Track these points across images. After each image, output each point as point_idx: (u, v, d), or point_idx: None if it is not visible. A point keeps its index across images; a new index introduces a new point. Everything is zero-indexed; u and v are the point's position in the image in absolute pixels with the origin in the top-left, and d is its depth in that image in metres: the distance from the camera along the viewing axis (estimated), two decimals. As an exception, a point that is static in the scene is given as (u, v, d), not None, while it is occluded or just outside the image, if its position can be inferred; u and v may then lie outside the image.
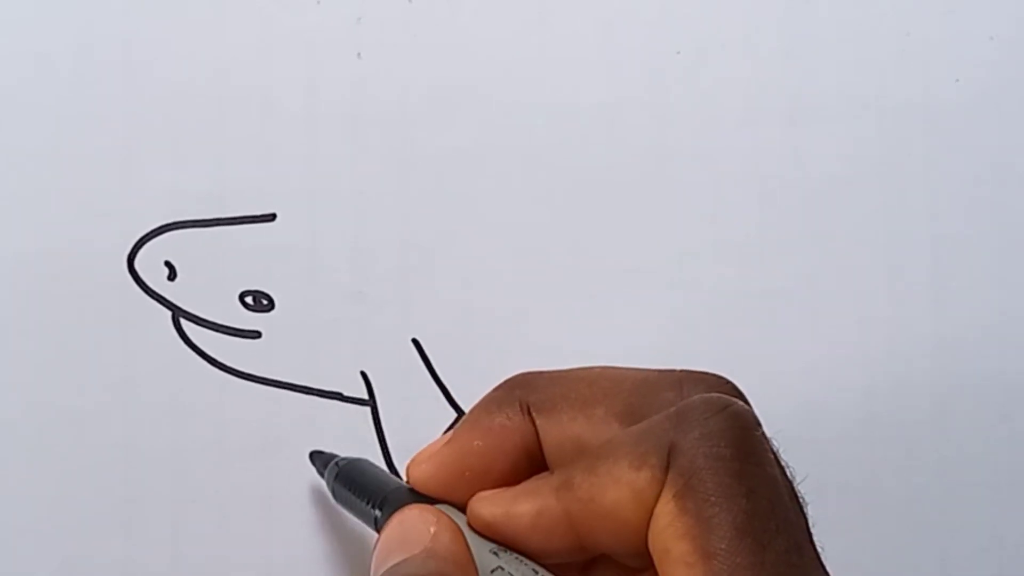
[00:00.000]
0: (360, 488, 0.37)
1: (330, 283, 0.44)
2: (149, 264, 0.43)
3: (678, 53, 0.45)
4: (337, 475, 0.39)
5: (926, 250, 0.46)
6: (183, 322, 0.43)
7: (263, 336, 0.43)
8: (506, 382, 0.35)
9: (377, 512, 0.36)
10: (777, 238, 0.45)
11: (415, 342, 0.44)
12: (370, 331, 0.44)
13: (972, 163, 0.46)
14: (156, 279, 0.43)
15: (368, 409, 0.43)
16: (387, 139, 0.44)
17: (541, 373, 0.35)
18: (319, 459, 0.42)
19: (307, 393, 0.43)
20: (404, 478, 0.36)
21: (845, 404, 0.45)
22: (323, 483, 0.41)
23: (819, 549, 0.30)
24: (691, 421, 0.30)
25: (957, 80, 0.46)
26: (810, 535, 0.30)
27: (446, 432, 0.37)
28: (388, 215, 0.44)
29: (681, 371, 0.33)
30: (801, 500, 0.31)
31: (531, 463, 0.34)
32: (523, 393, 0.34)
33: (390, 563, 0.32)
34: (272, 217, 0.44)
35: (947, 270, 0.46)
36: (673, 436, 0.29)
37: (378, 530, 0.35)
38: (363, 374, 0.44)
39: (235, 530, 0.43)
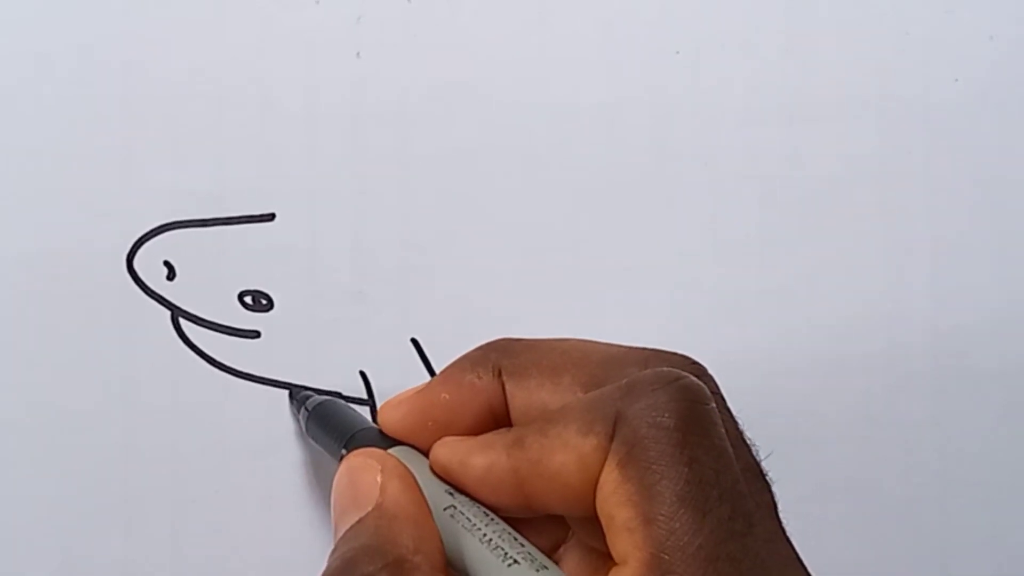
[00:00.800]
0: (331, 426, 0.39)
1: (329, 283, 0.44)
2: (148, 264, 0.43)
3: (678, 53, 0.45)
4: (312, 412, 0.40)
5: (926, 250, 0.46)
6: (182, 322, 0.43)
7: (262, 336, 0.43)
8: (484, 345, 0.36)
9: (343, 451, 0.37)
10: (777, 238, 0.45)
11: (414, 342, 0.44)
12: (369, 331, 0.44)
13: (972, 163, 0.46)
14: (155, 279, 0.43)
15: (367, 408, 0.43)
16: (387, 139, 0.44)
17: (518, 340, 0.36)
18: (298, 396, 0.42)
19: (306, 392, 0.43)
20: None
21: (845, 404, 0.45)
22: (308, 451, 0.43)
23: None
24: (639, 392, 0.30)
25: (957, 80, 0.46)
26: (774, 512, 0.31)
27: None
28: (388, 215, 0.44)
29: (650, 350, 0.34)
30: (766, 478, 0.31)
31: (495, 423, 0.35)
32: (497, 356, 0.35)
33: (344, 520, 0.33)
34: (272, 217, 0.44)
35: (946, 269, 0.46)
36: (620, 405, 0.30)
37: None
38: (362, 374, 0.44)
39: (235, 530, 0.43)
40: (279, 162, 0.44)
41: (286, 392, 0.43)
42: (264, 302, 0.43)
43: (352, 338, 0.44)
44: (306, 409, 0.41)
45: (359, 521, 0.33)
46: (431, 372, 0.44)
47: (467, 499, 0.34)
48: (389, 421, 0.36)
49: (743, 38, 0.46)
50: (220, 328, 0.43)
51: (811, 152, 0.46)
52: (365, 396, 0.43)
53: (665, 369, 0.31)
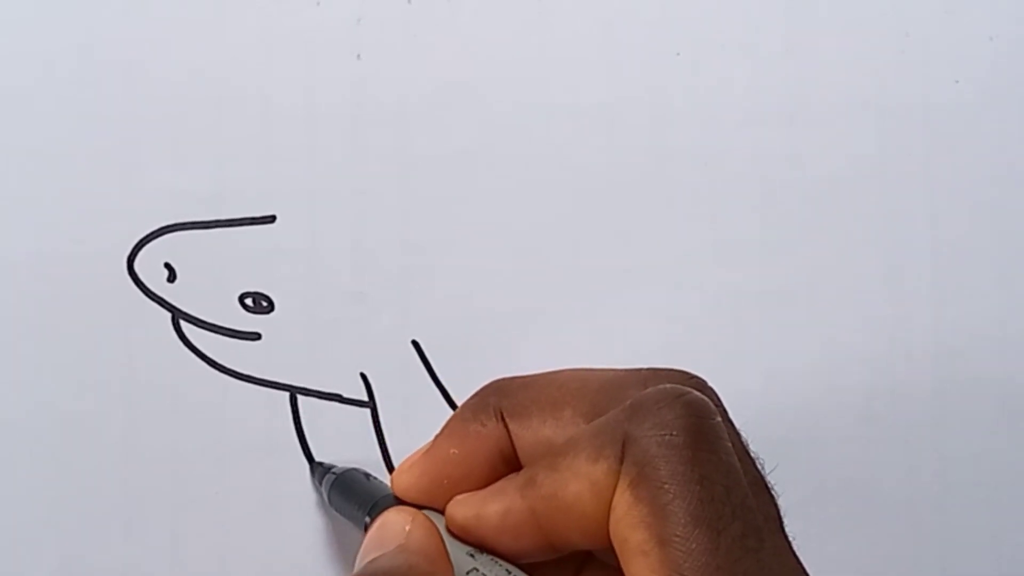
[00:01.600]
0: (353, 495, 0.39)
1: (330, 284, 0.44)
2: (149, 266, 0.43)
3: (678, 53, 0.45)
4: (333, 484, 0.40)
5: (926, 250, 0.46)
6: (183, 324, 0.43)
7: (263, 338, 0.43)
8: (481, 390, 0.36)
9: (367, 518, 0.37)
10: (777, 238, 0.45)
11: (415, 343, 0.44)
12: (370, 332, 0.44)
13: (972, 163, 0.46)
14: (156, 281, 0.43)
15: (368, 411, 0.43)
16: (387, 139, 0.44)
17: (514, 379, 0.35)
18: (318, 470, 0.42)
19: (307, 395, 0.43)
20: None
21: (845, 404, 0.45)
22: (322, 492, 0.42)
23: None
24: (644, 412, 0.30)
25: (957, 81, 0.46)
26: (780, 524, 0.31)
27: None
28: (388, 216, 0.44)
29: (647, 369, 0.33)
30: (772, 491, 0.31)
31: (507, 467, 0.34)
32: (496, 399, 0.35)
33: (368, 559, 0.33)
34: (272, 218, 0.44)
35: (947, 270, 0.46)
36: (627, 427, 0.30)
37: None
38: (363, 375, 0.44)
39: (235, 530, 0.43)
40: (279, 163, 0.44)
41: (287, 394, 0.43)
42: (265, 304, 0.43)
43: (353, 340, 0.44)
44: (330, 478, 0.41)
45: (379, 556, 0.32)
46: (431, 373, 0.44)
47: (488, 558, 0.33)
48: (403, 486, 0.36)
49: (743, 39, 0.46)
50: (221, 330, 0.43)
51: (811, 153, 0.46)
52: (366, 398, 0.43)
53: (669, 386, 0.31)
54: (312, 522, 0.43)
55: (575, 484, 0.30)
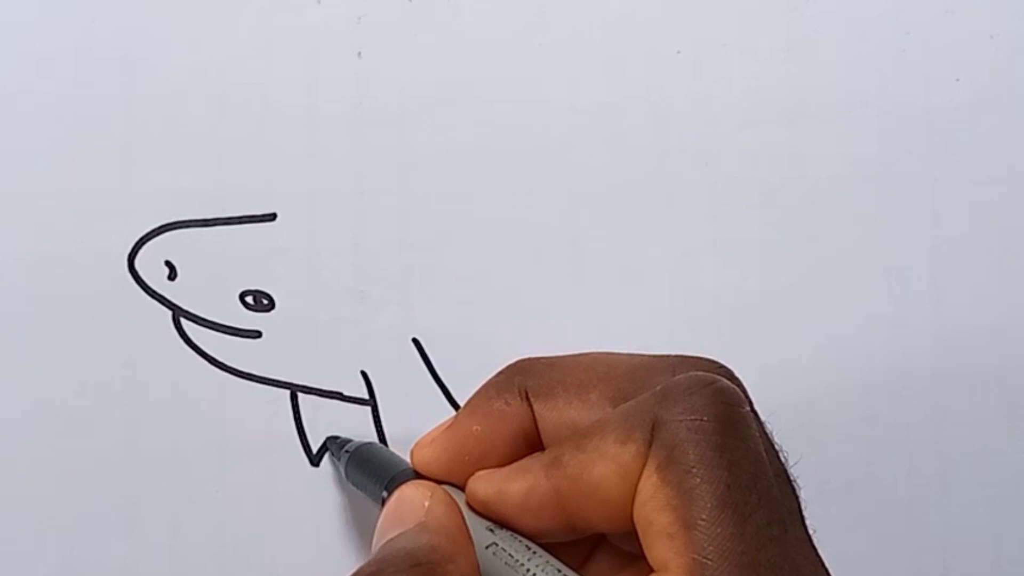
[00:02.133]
0: (370, 470, 0.39)
1: (330, 283, 0.44)
2: (149, 264, 0.43)
3: (678, 53, 0.45)
4: (350, 458, 0.40)
5: (926, 250, 0.46)
6: (183, 322, 0.43)
7: (263, 336, 0.43)
8: (506, 368, 0.36)
9: (384, 493, 0.37)
10: (777, 238, 0.45)
11: (415, 342, 0.44)
12: (370, 331, 0.44)
13: (972, 163, 0.46)
14: (156, 279, 0.43)
15: (368, 409, 0.43)
16: (387, 139, 0.44)
17: (539, 359, 0.35)
18: (334, 444, 0.42)
19: (307, 393, 0.43)
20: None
21: (845, 404, 0.45)
22: (333, 469, 0.42)
23: (818, 546, 0.31)
24: (675, 397, 0.30)
25: (957, 80, 0.46)
26: (801, 517, 0.31)
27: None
28: (388, 215, 0.44)
29: (675, 356, 0.33)
30: (793, 483, 0.31)
31: (529, 447, 0.34)
32: (521, 379, 0.35)
33: (388, 537, 0.33)
34: (272, 217, 0.44)
35: (947, 270, 0.46)
36: (657, 411, 0.30)
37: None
38: (363, 374, 0.44)
39: (235, 530, 0.43)
40: (280, 162, 0.44)
41: (287, 392, 0.43)
42: (265, 302, 0.43)
43: (353, 338, 0.44)
44: (346, 453, 0.41)
45: (399, 534, 0.32)
46: (432, 372, 0.44)
47: (508, 534, 0.33)
48: (423, 461, 0.36)
49: (743, 38, 0.46)
50: (221, 328, 0.43)
51: (811, 152, 0.46)
52: (366, 396, 0.43)
53: (700, 373, 0.31)
54: (312, 521, 0.43)
55: (602, 465, 0.30)
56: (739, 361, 0.44)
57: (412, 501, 0.34)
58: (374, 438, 0.43)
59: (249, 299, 0.43)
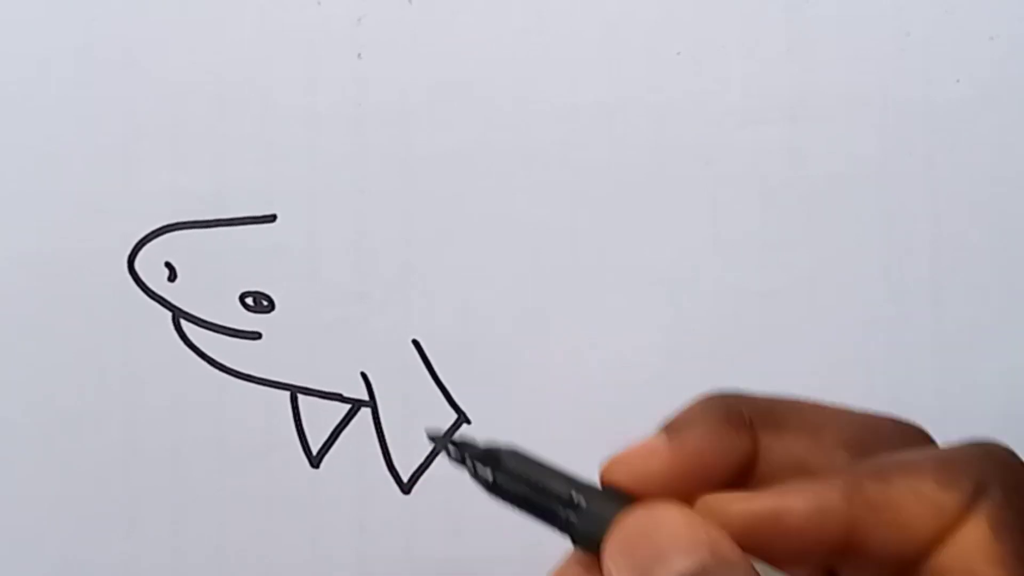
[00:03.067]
0: (540, 481, 0.32)
1: (330, 283, 0.44)
2: (149, 265, 0.43)
3: (678, 53, 0.45)
4: (499, 466, 0.32)
5: (926, 250, 0.46)
6: (183, 323, 0.43)
7: (263, 337, 0.43)
8: (719, 397, 0.33)
9: (570, 512, 0.31)
10: (777, 237, 0.45)
11: (415, 343, 0.44)
12: (370, 332, 0.44)
13: (972, 163, 0.46)
14: (156, 280, 0.43)
15: (368, 410, 0.43)
16: (387, 139, 0.44)
17: (753, 394, 0.34)
18: (467, 448, 0.32)
19: (307, 394, 0.43)
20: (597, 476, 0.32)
21: (845, 404, 0.45)
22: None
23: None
24: (998, 460, 0.31)
25: (957, 80, 0.46)
26: None
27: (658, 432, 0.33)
28: (388, 215, 0.44)
29: (888, 420, 0.34)
30: None
31: (741, 477, 0.33)
32: (748, 409, 0.33)
33: (659, 566, 0.29)
34: (272, 218, 0.44)
35: (947, 270, 0.46)
36: (983, 468, 0.31)
37: (573, 533, 0.31)
38: (363, 375, 0.44)
39: (235, 530, 0.43)
40: (280, 163, 0.44)
41: (287, 393, 0.43)
42: (265, 303, 0.43)
43: (353, 339, 0.44)
44: (485, 464, 0.32)
45: (705, 567, 0.29)
46: (432, 373, 0.44)
47: (761, 563, 0.31)
48: (645, 477, 0.32)
49: (743, 38, 0.46)
50: (221, 329, 0.43)
51: (812, 152, 0.45)
52: (366, 397, 0.43)
53: (999, 443, 0.32)
54: (312, 522, 0.43)
55: (917, 504, 0.30)
56: (739, 361, 0.45)
57: (675, 526, 0.30)
58: (374, 439, 0.43)
59: (249, 300, 0.43)
